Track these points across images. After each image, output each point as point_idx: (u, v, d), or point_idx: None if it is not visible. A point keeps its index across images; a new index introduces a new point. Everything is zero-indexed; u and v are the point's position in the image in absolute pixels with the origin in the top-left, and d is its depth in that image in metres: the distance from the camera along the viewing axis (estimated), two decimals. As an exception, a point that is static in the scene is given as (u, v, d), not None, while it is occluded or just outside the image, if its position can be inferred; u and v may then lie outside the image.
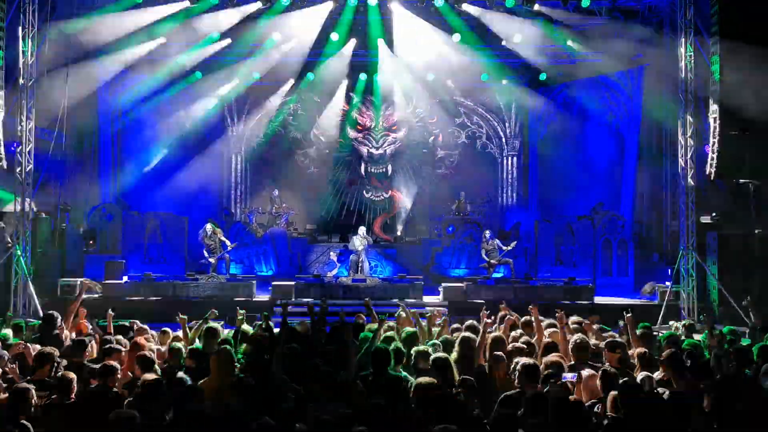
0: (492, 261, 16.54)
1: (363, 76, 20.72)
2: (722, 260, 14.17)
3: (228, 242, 16.85)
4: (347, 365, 5.95)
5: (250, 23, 17.72)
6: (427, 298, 14.98)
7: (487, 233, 16.81)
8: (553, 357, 6.25)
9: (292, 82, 20.55)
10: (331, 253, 18.32)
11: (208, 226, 16.77)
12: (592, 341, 7.13)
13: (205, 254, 16.54)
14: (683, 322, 10.56)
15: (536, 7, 16.87)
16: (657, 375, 6.11)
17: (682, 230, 14.56)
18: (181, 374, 5.77)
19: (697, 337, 8.53)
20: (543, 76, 20.27)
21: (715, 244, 14.29)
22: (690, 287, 14.38)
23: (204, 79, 19.77)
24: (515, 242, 17.21)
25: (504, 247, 16.67)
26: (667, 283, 15.01)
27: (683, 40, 14.67)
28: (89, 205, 17.22)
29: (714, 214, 14.67)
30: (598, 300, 14.98)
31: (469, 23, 18.00)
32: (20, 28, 13.82)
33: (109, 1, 16.42)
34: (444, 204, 20.53)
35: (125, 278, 15.47)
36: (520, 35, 18.18)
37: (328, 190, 21.84)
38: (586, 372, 5.77)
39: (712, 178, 14.75)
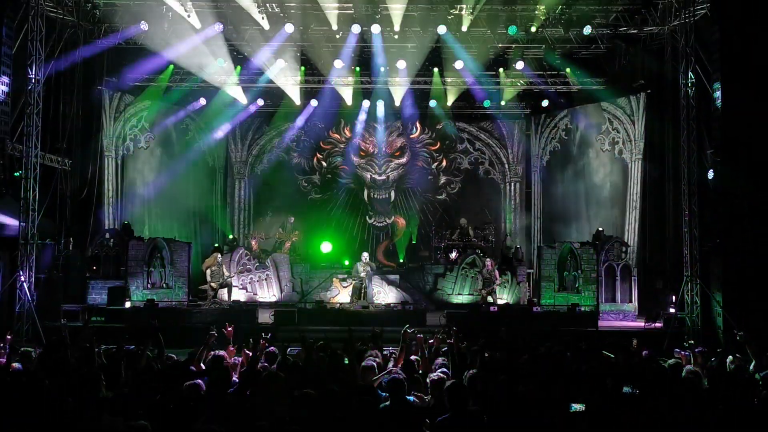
0: (483, 291, 16.48)
1: (366, 103, 20.83)
2: (726, 287, 14.12)
3: (227, 273, 16.86)
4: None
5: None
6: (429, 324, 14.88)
7: (489, 262, 16.77)
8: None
9: (295, 108, 20.65)
10: (334, 279, 18.28)
11: (218, 255, 16.83)
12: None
13: (208, 278, 16.56)
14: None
15: (538, 34, 17.14)
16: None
17: (686, 257, 14.55)
18: None
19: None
20: (545, 103, 20.46)
21: (720, 270, 14.23)
22: (694, 314, 14.33)
23: (208, 105, 19.94)
24: (505, 277, 17.31)
25: (497, 279, 16.61)
26: (672, 310, 14.98)
27: (685, 67, 14.76)
28: (93, 230, 17.23)
29: (718, 240, 14.63)
30: (602, 326, 14.92)
31: (470, 49, 18.16)
32: (27, 55, 13.96)
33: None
34: (447, 230, 20.53)
35: (128, 304, 15.42)
36: (521, 62, 18.38)
37: (330, 215, 21.85)
38: None
39: (715, 204, 14.76)
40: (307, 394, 5.39)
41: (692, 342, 9.66)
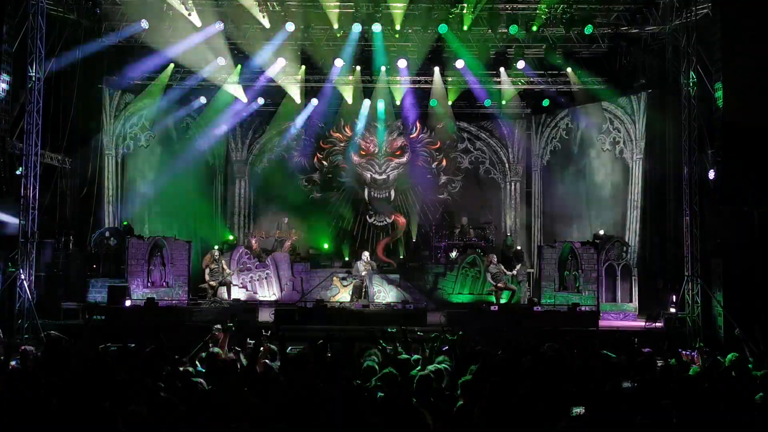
0: (499, 285, 16.55)
1: (367, 102, 20.80)
2: (727, 287, 14.12)
3: (227, 269, 16.84)
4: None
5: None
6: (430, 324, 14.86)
7: (494, 257, 16.85)
8: None
9: (296, 106, 20.64)
10: (335, 278, 18.27)
11: (216, 251, 16.79)
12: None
13: (207, 277, 16.53)
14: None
15: (539, 33, 17.14)
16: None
17: (687, 257, 14.53)
18: None
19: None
20: (546, 102, 20.44)
21: (721, 270, 14.23)
22: (695, 314, 14.32)
23: (209, 104, 19.92)
24: (519, 265, 17.36)
25: (508, 272, 16.74)
26: (672, 310, 14.97)
27: (686, 66, 14.76)
28: (93, 228, 17.22)
29: (719, 240, 14.63)
30: (603, 326, 14.90)
31: (471, 49, 18.16)
32: (27, 53, 13.94)
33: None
34: (447, 229, 20.50)
35: (128, 302, 15.41)
36: (522, 61, 18.37)
37: (331, 214, 21.81)
38: None
39: (716, 204, 14.75)
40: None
41: (702, 344, 9.65)
